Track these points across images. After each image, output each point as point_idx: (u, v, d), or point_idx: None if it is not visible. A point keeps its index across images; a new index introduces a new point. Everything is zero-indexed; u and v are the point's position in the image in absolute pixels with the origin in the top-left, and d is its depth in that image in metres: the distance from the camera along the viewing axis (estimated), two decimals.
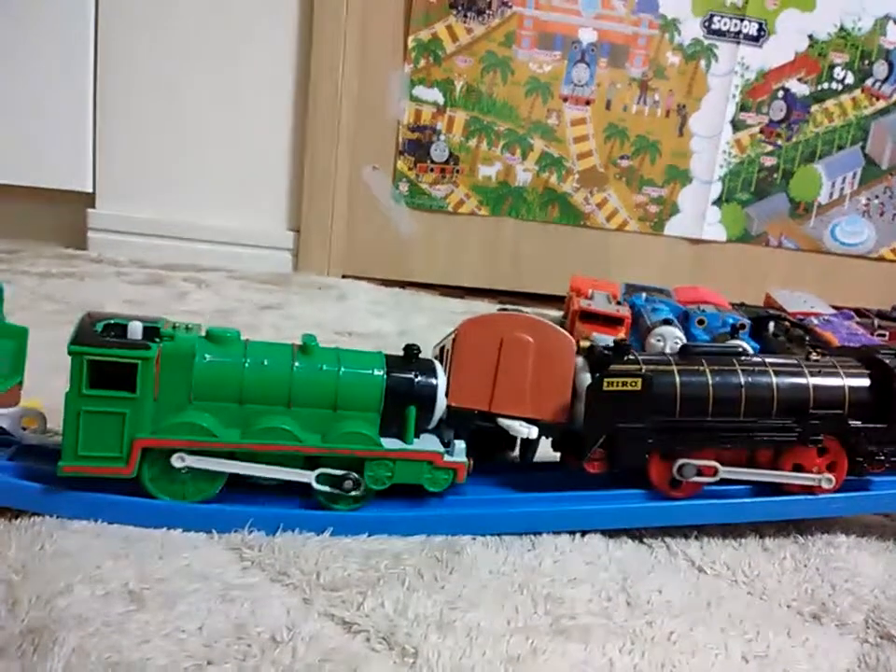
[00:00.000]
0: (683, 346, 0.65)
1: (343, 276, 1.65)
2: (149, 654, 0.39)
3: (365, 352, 0.58)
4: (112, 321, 0.52)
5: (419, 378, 0.57)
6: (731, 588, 0.56)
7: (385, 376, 0.56)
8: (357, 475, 0.54)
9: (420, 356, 0.58)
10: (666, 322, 1.06)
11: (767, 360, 0.64)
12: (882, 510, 0.67)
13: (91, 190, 1.49)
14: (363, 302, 1.36)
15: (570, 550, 0.57)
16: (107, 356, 0.49)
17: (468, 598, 0.48)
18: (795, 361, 0.65)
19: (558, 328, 0.61)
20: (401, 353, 0.59)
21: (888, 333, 1.16)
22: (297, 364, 0.54)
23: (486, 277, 1.71)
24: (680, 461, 0.60)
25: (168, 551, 0.49)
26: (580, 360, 0.61)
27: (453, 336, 0.60)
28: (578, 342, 1.00)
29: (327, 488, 0.54)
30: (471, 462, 0.57)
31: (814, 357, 0.66)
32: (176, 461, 0.52)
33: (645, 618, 0.50)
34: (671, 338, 1.04)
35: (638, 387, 0.59)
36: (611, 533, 0.60)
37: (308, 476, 0.54)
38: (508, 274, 1.70)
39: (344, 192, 1.56)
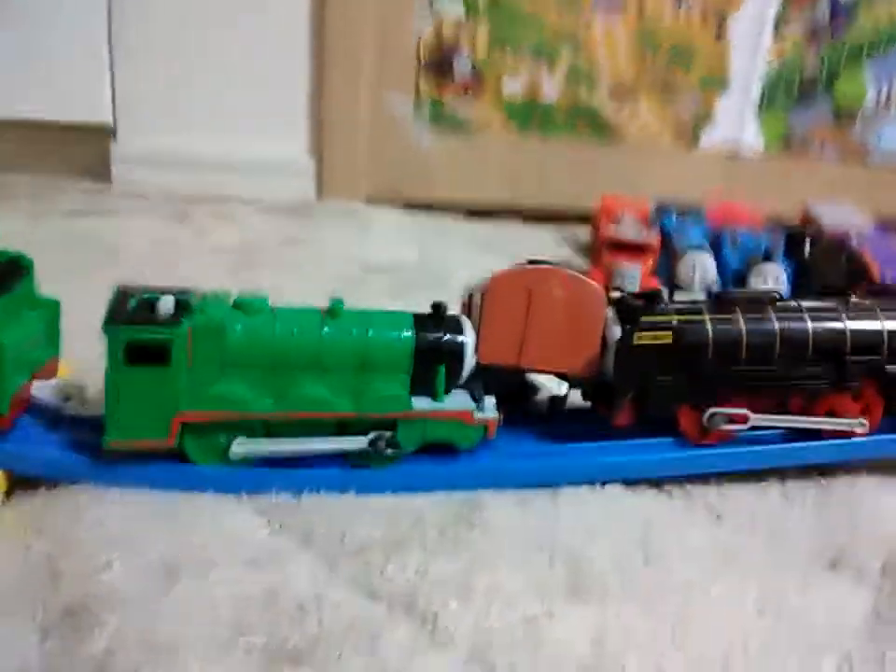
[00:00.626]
0: (717, 294, 0.63)
1: (367, 199, 1.63)
2: (185, 631, 0.41)
3: (393, 312, 0.58)
4: (145, 296, 0.53)
5: (447, 337, 0.57)
6: (749, 537, 0.57)
7: (413, 337, 0.56)
8: (391, 435, 0.56)
9: (448, 313, 0.58)
10: (698, 248, 1.03)
11: (803, 305, 0.63)
12: None
13: (111, 122, 1.48)
14: (387, 231, 1.34)
15: (590, 501, 0.58)
16: (141, 334, 0.50)
17: (488, 559, 0.50)
18: (832, 305, 0.63)
19: (588, 280, 0.60)
20: (429, 310, 0.58)
21: None
22: (326, 329, 0.55)
23: (512, 196, 1.67)
24: (711, 410, 0.60)
25: (199, 517, 0.52)
26: (609, 312, 0.60)
27: (481, 291, 0.59)
28: (607, 281, 0.99)
29: (366, 447, 0.56)
30: (501, 416, 0.58)
31: (853, 300, 0.64)
32: (237, 447, 0.54)
33: (660, 574, 0.51)
34: (701, 265, 1.02)
35: (669, 340, 0.58)
36: (632, 481, 0.61)
37: (361, 441, 0.55)
38: (534, 193, 1.66)
39: (365, 114, 1.52)
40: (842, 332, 0.61)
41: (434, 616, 0.45)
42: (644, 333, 0.58)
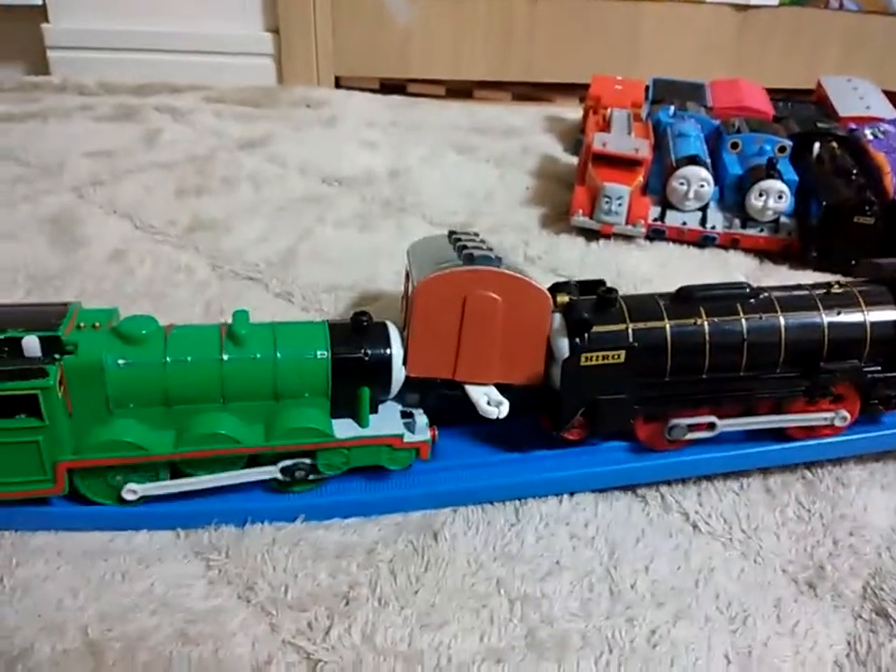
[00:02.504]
0: (680, 290, 0.55)
1: (336, 80, 1.47)
2: None
3: (305, 325, 0.51)
4: (6, 335, 0.45)
5: (370, 352, 0.50)
6: (724, 551, 0.53)
7: (328, 356, 0.49)
8: (309, 463, 0.50)
9: (370, 323, 0.51)
10: (691, 161, 0.93)
11: (778, 299, 0.55)
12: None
13: (39, 1, 1.30)
14: (355, 127, 1.22)
15: (556, 520, 0.54)
16: (3, 390, 0.44)
17: (440, 610, 0.47)
18: (809, 296, 0.56)
19: (532, 282, 0.52)
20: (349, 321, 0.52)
21: None
22: (226, 356, 0.48)
23: (497, 68, 1.52)
24: (671, 422, 0.55)
25: (131, 567, 0.48)
26: (557, 320, 0.53)
27: (411, 296, 0.52)
28: (592, 203, 0.90)
29: (279, 476, 0.51)
30: (436, 434, 0.53)
31: (835, 290, 0.56)
32: (128, 494, 0.48)
33: (626, 613, 0.48)
34: (696, 180, 0.92)
35: (621, 360, 0.51)
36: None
37: (272, 471, 0.50)
38: (522, 63, 1.51)
39: None
40: (818, 333, 0.54)
41: None
42: (592, 354, 0.51)
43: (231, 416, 0.49)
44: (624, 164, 0.93)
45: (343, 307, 0.76)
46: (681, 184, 0.92)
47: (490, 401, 0.52)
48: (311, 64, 1.40)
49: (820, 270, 0.88)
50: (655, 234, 0.93)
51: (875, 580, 0.51)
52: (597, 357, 0.51)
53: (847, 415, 0.57)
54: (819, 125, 1.04)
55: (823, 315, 0.55)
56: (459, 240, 0.56)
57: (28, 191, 0.96)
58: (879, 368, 0.56)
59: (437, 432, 0.53)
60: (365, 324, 0.51)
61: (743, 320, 0.54)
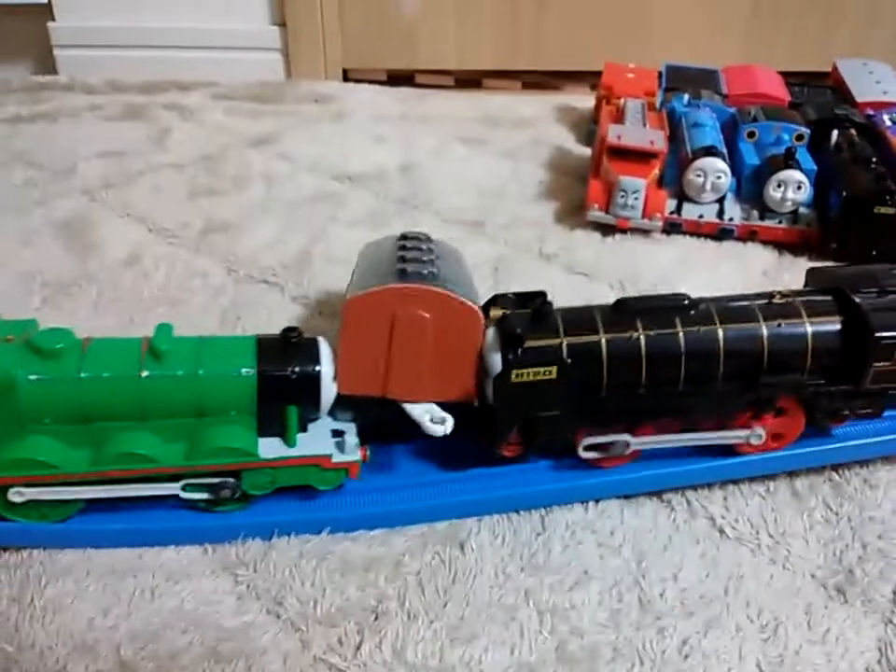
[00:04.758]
0: (618, 302, 0.54)
1: (344, 73, 1.46)
2: None
3: (232, 340, 0.50)
4: None
5: (297, 370, 0.48)
6: (752, 557, 0.53)
7: (254, 374, 0.48)
8: (233, 482, 0.49)
9: (300, 339, 0.50)
10: (708, 152, 0.91)
11: (717, 311, 0.53)
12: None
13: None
14: (364, 121, 1.21)
15: (582, 528, 0.54)
16: None
17: (470, 623, 0.47)
18: (750, 307, 0.54)
19: (462, 299, 0.51)
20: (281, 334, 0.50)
21: None
22: (145, 372, 0.46)
23: (505, 57, 1.50)
24: (584, 441, 0.54)
25: (160, 583, 0.48)
26: (490, 333, 0.52)
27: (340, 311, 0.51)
28: (607, 196, 0.89)
29: (203, 495, 0.49)
30: (367, 454, 0.51)
31: (777, 300, 0.55)
32: (14, 496, 0.46)
33: (657, 623, 0.48)
34: (713, 172, 0.91)
35: (553, 376, 0.51)
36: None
37: (174, 488, 0.49)
38: (530, 51, 1.49)
39: None
40: (758, 345, 0.53)
41: None
42: (523, 371, 0.50)
43: (150, 434, 0.47)
44: (640, 157, 0.92)
45: None
46: (698, 176, 0.91)
47: (433, 419, 0.51)
48: (318, 58, 1.38)
49: (840, 261, 0.87)
50: (672, 228, 0.92)
51: None
52: (529, 373, 0.50)
53: (763, 433, 0.55)
54: (837, 111, 1.03)
55: (764, 327, 0.53)
56: (404, 247, 0.55)
57: (40, 195, 0.96)
58: (823, 381, 0.54)
59: (368, 451, 0.51)
60: (294, 340, 0.49)
61: (681, 333, 0.52)
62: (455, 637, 0.46)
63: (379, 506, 0.52)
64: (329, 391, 0.49)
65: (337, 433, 0.52)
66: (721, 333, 0.53)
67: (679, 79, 1.16)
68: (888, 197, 0.84)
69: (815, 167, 0.92)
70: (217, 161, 1.05)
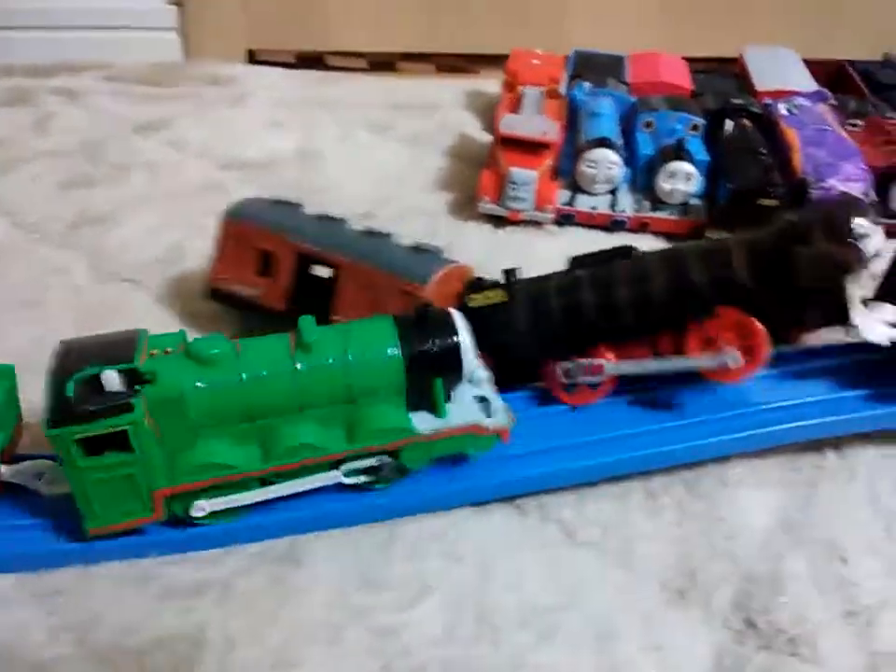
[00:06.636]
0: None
1: (251, 55, 1.41)
2: None
3: (370, 323, 0.51)
4: (84, 373, 0.44)
5: (438, 343, 0.50)
6: (598, 563, 0.52)
7: (400, 353, 0.49)
8: (394, 461, 0.51)
9: (434, 313, 0.51)
10: (600, 143, 0.90)
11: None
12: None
13: None
14: (264, 105, 1.17)
15: (429, 539, 0.52)
16: (92, 429, 0.44)
17: (295, 646, 0.45)
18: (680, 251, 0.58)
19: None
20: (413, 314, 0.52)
21: (863, 123, 0.98)
22: (298, 365, 0.47)
23: (425, 38, 1.47)
24: (561, 365, 0.58)
25: None
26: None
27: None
28: (499, 189, 0.87)
29: (362, 479, 0.51)
30: (513, 416, 0.53)
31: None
32: (197, 512, 0.48)
33: (491, 636, 0.47)
34: (604, 163, 0.90)
35: (504, 298, 0.58)
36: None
37: (336, 476, 0.51)
38: (447, 34, 1.46)
39: None
40: (683, 258, 0.56)
41: None
42: (476, 296, 0.58)
43: (311, 424, 0.49)
44: (532, 147, 0.90)
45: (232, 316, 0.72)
46: (590, 167, 0.90)
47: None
48: (219, 38, 1.33)
49: None
50: (565, 219, 0.91)
51: (746, 587, 0.51)
52: (481, 297, 0.58)
53: (738, 356, 0.55)
54: (734, 101, 1.02)
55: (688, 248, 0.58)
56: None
57: None
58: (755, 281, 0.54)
59: (514, 415, 0.53)
60: (429, 315, 0.51)
61: (618, 266, 0.58)
62: (278, 662, 0.44)
63: (208, 526, 0.50)
64: (469, 360, 0.51)
65: (479, 399, 0.53)
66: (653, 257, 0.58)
67: (586, 66, 1.15)
68: (771, 189, 0.84)
69: (707, 158, 0.91)
70: (98, 149, 1.00)
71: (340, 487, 0.52)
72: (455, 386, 0.52)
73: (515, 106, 1.00)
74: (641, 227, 0.91)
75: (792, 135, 0.93)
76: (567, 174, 0.93)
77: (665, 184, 0.89)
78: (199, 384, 0.46)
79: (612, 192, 0.92)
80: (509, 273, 0.60)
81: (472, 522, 0.54)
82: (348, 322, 0.52)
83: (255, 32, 1.37)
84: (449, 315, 0.52)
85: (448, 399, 0.52)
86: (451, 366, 0.50)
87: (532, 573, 0.51)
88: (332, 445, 0.49)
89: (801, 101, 1.02)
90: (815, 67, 1.22)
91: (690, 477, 0.58)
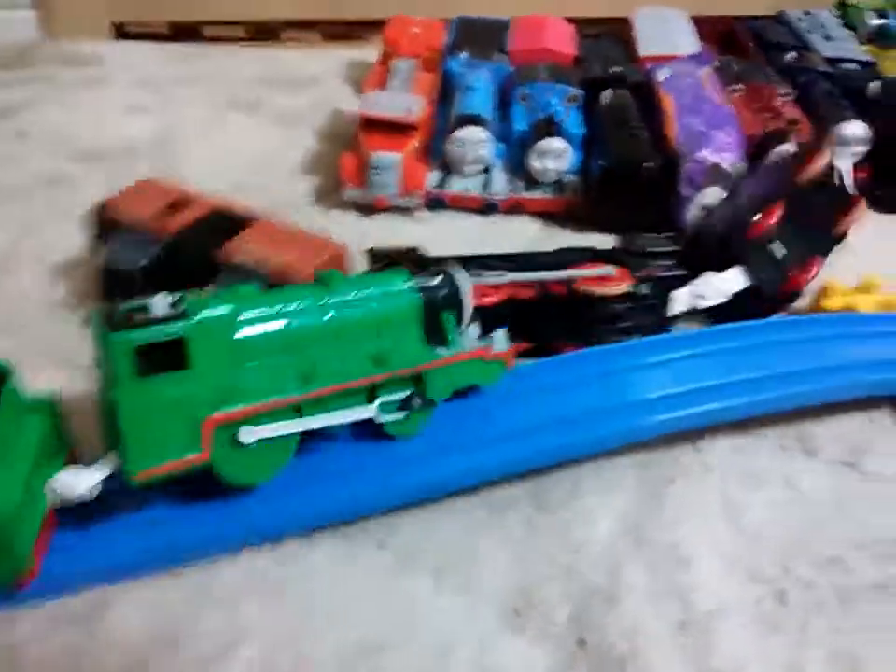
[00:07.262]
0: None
1: (119, 28, 1.32)
2: None
3: (381, 272, 0.56)
4: (130, 305, 0.45)
5: (446, 284, 0.55)
6: (434, 586, 0.49)
7: (417, 289, 0.54)
8: (420, 392, 0.54)
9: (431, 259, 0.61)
10: (468, 120, 0.86)
11: None
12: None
13: None
14: (125, 87, 1.09)
15: (245, 582, 0.48)
16: (152, 335, 0.44)
17: None
18: None
19: None
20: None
21: (744, 88, 0.95)
22: (329, 299, 0.51)
23: (305, 5, 1.39)
24: None
25: None
26: None
27: None
28: (361, 174, 0.82)
29: (396, 415, 0.53)
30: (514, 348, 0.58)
31: None
32: (245, 436, 0.48)
33: None
34: (473, 143, 0.85)
35: None
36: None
37: (371, 410, 0.52)
38: (332, 4, 1.38)
39: None
40: None
41: None
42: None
43: (344, 352, 0.51)
44: (396, 128, 0.85)
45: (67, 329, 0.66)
46: (458, 147, 0.86)
47: None
48: (81, 12, 1.24)
49: (600, 229, 0.84)
50: (436, 204, 0.87)
51: (585, 602, 0.49)
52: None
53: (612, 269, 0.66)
54: (613, 69, 0.98)
55: None
56: None
57: None
58: None
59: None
60: (429, 263, 0.58)
61: None
62: None
63: None
64: (468, 303, 0.56)
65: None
66: None
67: (468, 35, 1.09)
68: (644, 166, 0.81)
69: (583, 131, 0.88)
70: None
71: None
72: (460, 326, 0.57)
73: (384, 81, 0.95)
74: (516, 207, 0.87)
75: (669, 104, 0.90)
76: (441, 154, 0.88)
77: (535, 163, 0.85)
78: (245, 314, 0.48)
79: (486, 171, 0.88)
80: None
81: (299, 557, 0.50)
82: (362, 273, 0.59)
83: (120, 3, 1.28)
84: (447, 263, 0.58)
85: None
86: (456, 305, 0.55)
87: (360, 607, 0.48)
88: (364, 371, 0.52)
89: (681, 66, 0.99)
90: (707, 26, 1.18)
91: (539, 487, 0.56)
